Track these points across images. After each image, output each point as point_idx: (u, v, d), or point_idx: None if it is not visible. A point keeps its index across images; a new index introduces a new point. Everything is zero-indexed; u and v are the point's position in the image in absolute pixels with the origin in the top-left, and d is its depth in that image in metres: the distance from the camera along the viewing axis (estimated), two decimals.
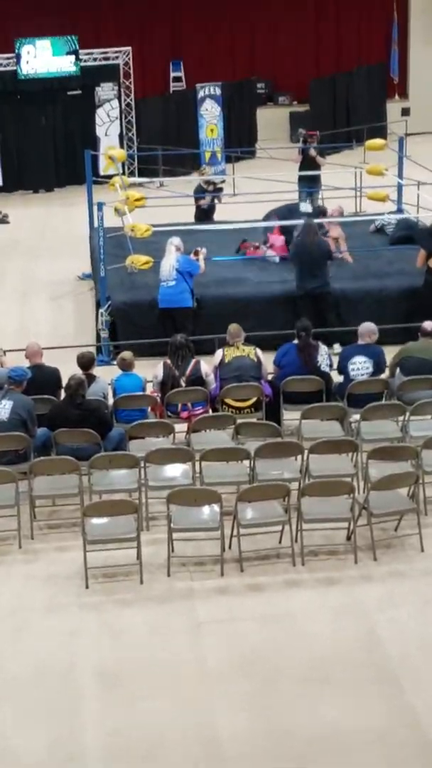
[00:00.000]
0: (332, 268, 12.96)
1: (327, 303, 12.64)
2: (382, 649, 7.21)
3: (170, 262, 12.39)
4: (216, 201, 16.44)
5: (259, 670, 7.03)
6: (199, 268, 12.63)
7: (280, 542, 8.39)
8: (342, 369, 10.43)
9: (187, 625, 7.55)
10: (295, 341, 10.41)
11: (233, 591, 7.94)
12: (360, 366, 10.30)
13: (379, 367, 10.39)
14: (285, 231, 14.23)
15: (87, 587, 7.97)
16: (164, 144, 21.14)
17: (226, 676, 6.99)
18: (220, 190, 16.94)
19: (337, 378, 10.50)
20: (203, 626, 7.52)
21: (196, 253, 12.80)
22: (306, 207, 15.20)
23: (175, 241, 12.62)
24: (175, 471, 9.03)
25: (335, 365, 10.57)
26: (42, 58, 20.32)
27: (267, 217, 14.79)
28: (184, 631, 7.47)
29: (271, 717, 6.59)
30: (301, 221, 13.66)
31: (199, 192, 16.54)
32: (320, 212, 14.82)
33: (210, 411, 10.10)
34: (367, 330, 10.40)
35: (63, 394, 9.65)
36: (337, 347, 11.69)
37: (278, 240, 14.17)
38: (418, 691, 6.78)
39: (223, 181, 18.16)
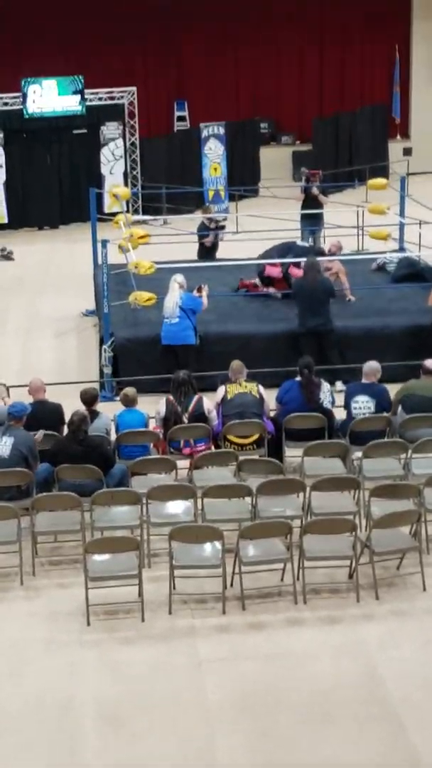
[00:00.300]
0: (334, 305, 13.01)
1: (329, 340, 12.68)
2: (384, 687, 7.18)
3: (174, 299, 12.45)
4: (218, 239, 16.53)
5: (260, 709, 7.00)
6: (202, 305, 12.68)
7: (282, 580, 8.37)
8: (346, 406, 10.46)
9: (189, 663, 7.52)
10: (298, 378, 10.45)
11: (235, 629, 7.92)
12: (362, 405, 10.33)
13: (383, 406, 10.41)
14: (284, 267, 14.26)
15: (88, 624, 7.95)
16: (168, 182, 21.32)
17: (227, 714, 6.95)
18: (222, 227, 17.04)
19: (340, 415, 10.52)
20: (204, 664, 7.49)
21: (200, 290, 12.85)
22: (303, 243, 15.24)
23: (179, 278, 12.67)
24: (177, 508, 9.03)
25: (338, 402, 10.60)
26: (48, 97, 20.53)
27: (265, 255, 14.81)
28: (185, 669, 7.44)
29: (271, 755, 6.56)
30: (301, 259, 13.73)
31: (202, 229, 16.65)
32: (317, 251, 14.87)
33: (212, 447, 10.12)
34: (372, 369, 10.44)
35: (66, 430, 9.67)
36: (340, 385, 11.72)
37: (274, 271, 14.16)
38: (420, 729, 6.74)
39: (224, 219, 18.29)
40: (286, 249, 14.56)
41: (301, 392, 10.32)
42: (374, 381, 10.43)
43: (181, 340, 12.40)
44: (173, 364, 11.74)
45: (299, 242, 15.12)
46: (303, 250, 14.51)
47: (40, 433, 9.70)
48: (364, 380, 10.47)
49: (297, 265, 13.85)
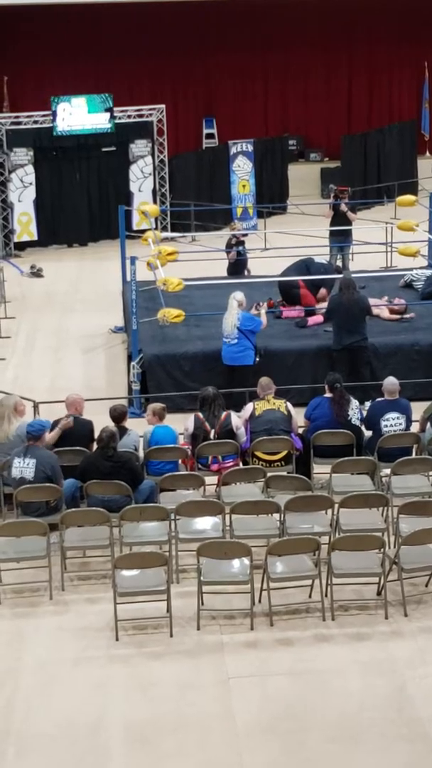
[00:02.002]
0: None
1: (362, 357, 12.58)
2: (413, 706, 7.15)
3: (232, 320, 12.29)
4: (241, 255, 16.49)
5: (287, 727, 6.98)
6: (261, 324, 12.50)
7: (310, 596, 8.37)
8: (373, 425, 10.43)
9: (216, 679, 7.52)
10: (327, 395, 10.44)
11: (263, 645, 7.92)
12: (393, 422, 10.31)
13: (410, 420, 10.40)
14: (311, 286, 14.21)
15: (117, 639, 7.97)
16: (197, 199, 21.39)
17: (255, 732, 6.94)
18: (242, 242, 17.00)
19: (366, 432, 10.50)
20: (232, 681, 7.49)
21: (257, 307, 12.80)
22: (321, 260, 15.08)
23: (238, 296, 12.48)
24: (206, 524, 9.04)
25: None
26: (77, 115, 20.67)
27: (284, 274, 14.72)
28: (213, 686, 7.45)
29: None
30: (323, 275, 13.74)
31: (229, 246, 16.70)
32: (335, 270, 14.79)
33: (240, 464, 10.13)
34: (394, 385, 10.44)
35: (95, 446, 9.71)
36: (369, 404, 11.66)
37: (293, 313, 14.12)
38: None
39: (245, 236, 18.25)
40: (303, 267, 14.46)
41: (331, 408, 10.31)
42: (397, 397, 10.43)
43: (239, 361, 12.30)
44: (229, 382, 11.71)
45: (317, 259, 14.93)
46: (321, 267, 14.43)
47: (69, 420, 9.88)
48: (387, 397, 10.44)
49: (316, 286, 13.88)
